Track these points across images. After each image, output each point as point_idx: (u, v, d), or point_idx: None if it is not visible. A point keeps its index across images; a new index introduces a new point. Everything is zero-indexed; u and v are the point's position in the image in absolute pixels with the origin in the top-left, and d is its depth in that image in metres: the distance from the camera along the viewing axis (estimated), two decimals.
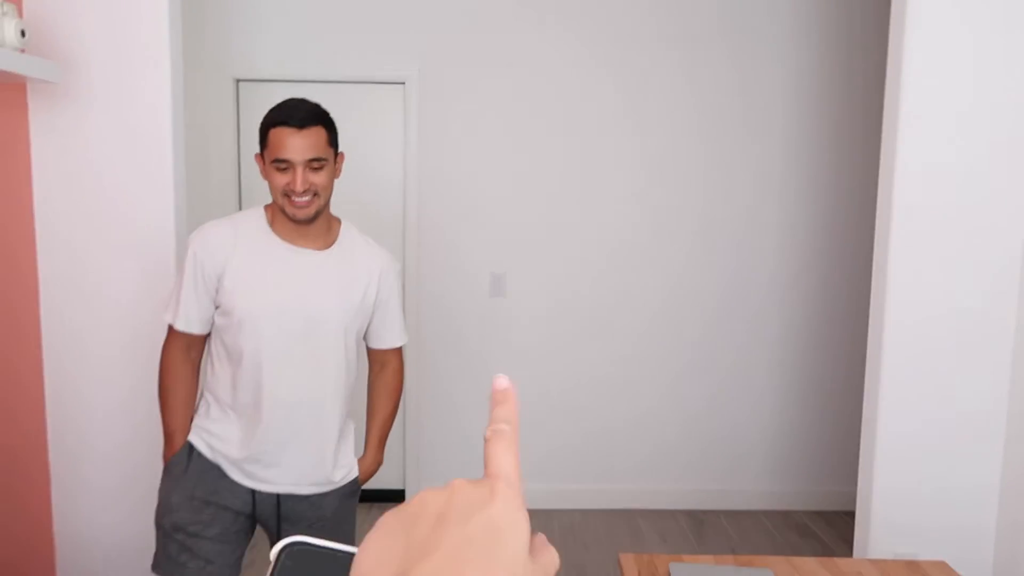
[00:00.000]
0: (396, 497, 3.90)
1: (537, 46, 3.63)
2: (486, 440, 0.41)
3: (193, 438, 1.72)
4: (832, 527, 3.73)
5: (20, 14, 2.08)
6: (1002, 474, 2.30)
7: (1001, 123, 2.19)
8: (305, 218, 1.66)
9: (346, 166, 1.81)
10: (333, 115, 1.74)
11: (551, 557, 0.39)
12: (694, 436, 3.87)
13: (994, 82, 2.18)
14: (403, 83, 3.64)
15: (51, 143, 2.13)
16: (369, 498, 3.90)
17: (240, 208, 3.69)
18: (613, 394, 3.84)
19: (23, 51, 2.02)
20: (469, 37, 3.61)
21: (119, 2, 2.09)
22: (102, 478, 2.24)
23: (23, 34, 1.76)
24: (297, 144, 1.62)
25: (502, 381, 0.43)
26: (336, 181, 1.74)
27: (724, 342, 3.82)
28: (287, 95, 1.73)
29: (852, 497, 3.85)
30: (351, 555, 0.40)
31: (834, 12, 3.66)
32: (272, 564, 0.39)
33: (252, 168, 3.67)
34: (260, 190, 3.66)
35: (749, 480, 3.90)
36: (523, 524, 0.37)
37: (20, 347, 2.10)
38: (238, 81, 3.63)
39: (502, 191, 3.70)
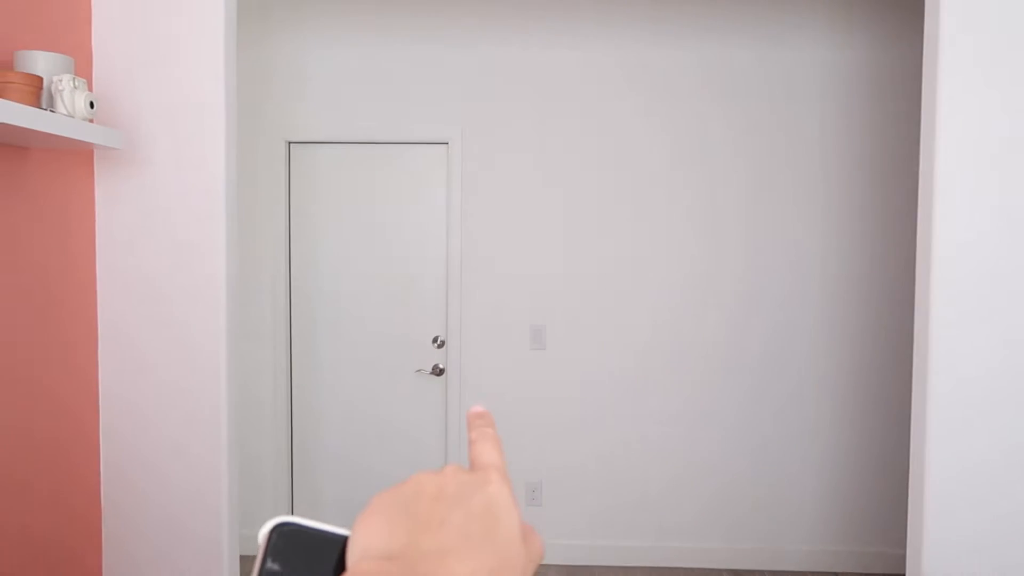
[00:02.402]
0: None
1: (580, 106, 3.72)
2: (472, 442, 0.43)
3: None
4: None
5: (90, 87, 2.24)
6: None
7: None
8: None
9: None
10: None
11: (539, 545, 0.40)
12: (739, 494, 3.80)
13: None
14: (446, 143, 3.76)
15: (114, 204, 2.26)
16: None
17: (290, 260, 3.82)
18: (656, 450, 3.80)
19: (92, 121, 2.17)
20: (511, 97, 3.73)
21: (180, 73, 2.23)
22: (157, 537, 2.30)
23: (92, 105, 1.90)
24: None
25: (478, 407, 0.46)
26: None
27: (769, 400, 3.77)
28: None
29: (902, 559, 3.74)
30: (342, 536, 0.40)
31: (875, 72, 3.68)
32: (263, 545, 0.39)
33: (301, 221, 3.81)
34: (307, 244, 3.79)
35: (796, 540, 3.80)
36: (516, 508, 0.39)
37: (78, 391, 2.21)
38: (289, 143, 3.79)
39: (543, 245, 3.76)
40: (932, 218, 2.21)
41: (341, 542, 0.39)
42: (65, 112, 1.86)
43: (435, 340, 3.84)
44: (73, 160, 2.18)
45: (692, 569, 3.79)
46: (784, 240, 3.73)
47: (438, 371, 3.82)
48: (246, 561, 3.81)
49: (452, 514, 0.37)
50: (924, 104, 2.26)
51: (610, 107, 3.72)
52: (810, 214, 3.72)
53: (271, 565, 0.38)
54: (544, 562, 3.84)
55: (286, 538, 0.39)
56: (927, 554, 2.29)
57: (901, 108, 3.69)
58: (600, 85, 3.71)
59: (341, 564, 0.39)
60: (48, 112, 1.74)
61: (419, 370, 3.85)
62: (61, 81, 1.85)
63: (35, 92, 1.79)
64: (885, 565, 3.77)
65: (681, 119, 3.72)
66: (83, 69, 2.21)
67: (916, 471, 2.32)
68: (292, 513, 3.91)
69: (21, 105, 1.64)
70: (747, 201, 3.73)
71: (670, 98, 3.71)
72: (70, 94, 1.85)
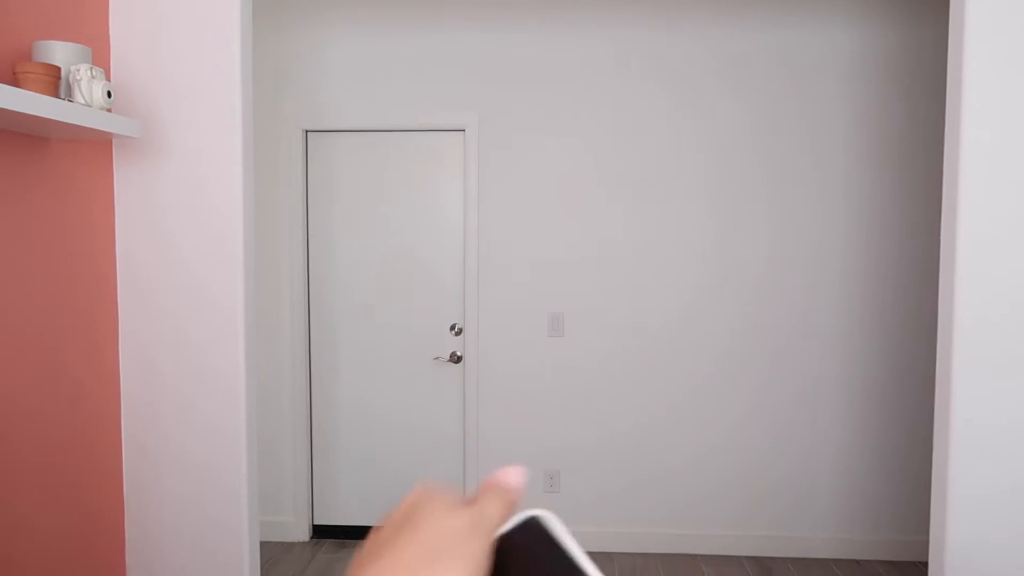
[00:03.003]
0: None
1: (598, 92, 3.69)
2: (486, 486, 0.41)
3: None
4: None
5: (108, 77, 2.25)
6: None
7: None
8: None
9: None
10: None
11: (494, 500, 0.39)
12: (759, 483, 3.78)
13: None
14: (463, 130, 3.75)
15: (132, 192, 2.28)
16: None
17: (307, 247, 3.84)
18: (675, 435, 3.79)
19: (110, 110, 2.18)
20: (528, 84, 3.70)
21: (197, 62, 2.24)
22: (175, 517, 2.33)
23: (109, 95, 1.91)
24: None
25: (520, 476, 0.42)
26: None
27: (789, 387, 3.74)
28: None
29: (925, 547, 3.70)
30: (576, 567, 0.38)
31: (899, 55, 3.62)
32: (512, 526, 0.39)
33: (319, 209, 3.82)
34: (324, 231, 3.80)
35: (818, 527, 3.78)
36: (469, 551, 0.36)
37: (100, 378, 2.23)
38: (307, 132, 3.80)
39: (562, 232, 3.74)
40: (957, 204, 2.17)
41: (574, 569, 0.38)
42: (83, 102, 1.87)
43: (453, 327, 3.84)
44: (92, 150, 2.19)
45: (711, 556, 3.78)
46: (806, 227, 3.69)
47: (456, 358, 3.82)
48: (267, 547, 3.85)
49: (400, 541, 0.37)
50: (949, 91, 2.21)
51: (629, 93, 3.69)
52: (832, 199, 3.67)
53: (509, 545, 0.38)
54: None
55: (531, 533, 0.39)
56: (949, 550, 2.27)
57: (927, 90, 3.62)
58: (618, 70, 3.68)
59: None
60: (66, 102, 1.75)
61: (437, 357, 3.85)
62: (79, 71, 1.86)
63: (53, 82, 1.80)
64: (909, 552, 3.74)
65: (702, 103, 3.68)
66: (101, 59, 2.22)
67: (939, 458, 2.29)
68: (312, 499, 3.94)
69: (39, 95, 1.65)
70: (767, 186, 3.69)
71: (691, 83, 3.67)
72: (88, 84, 1.86)
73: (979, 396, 2.20)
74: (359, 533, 3.95)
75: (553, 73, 3.70)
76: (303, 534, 3.91)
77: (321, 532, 3.97)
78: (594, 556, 3.78)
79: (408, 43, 3.71)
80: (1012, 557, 2.24)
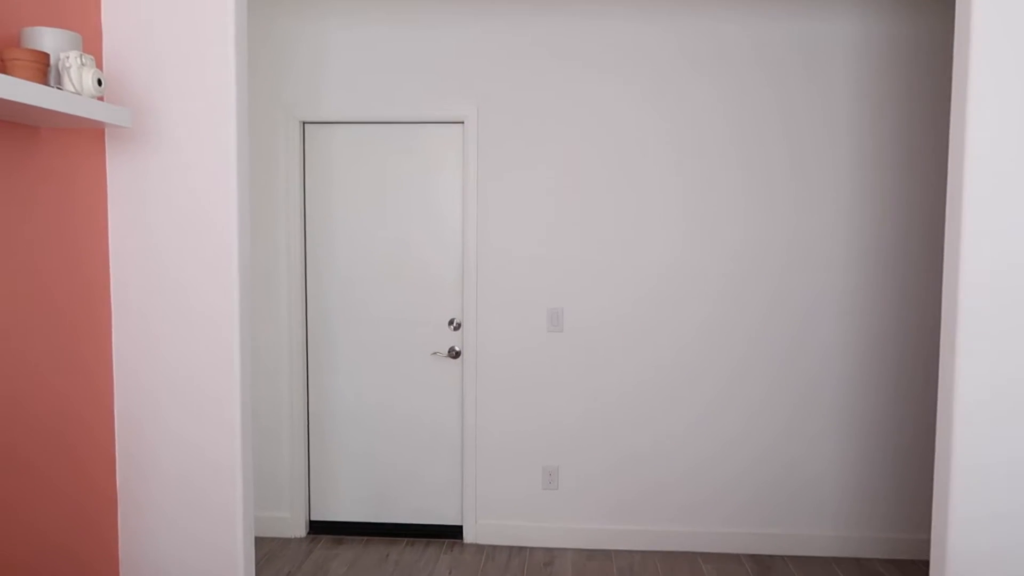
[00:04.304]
0: (454, 533, 3.89)
1: (601, 84, 3.65)
2: None
3: None
4: None
5: (99, 65, 2.22)
6: None
7: None
8: None
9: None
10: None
11: None
12: (760, 480, 3.75)
13: None
14: (462, 122, 3.71)
15: (125, 183, 2.24)
16: (427, 534, 3.90)
17: (304, 240, 3.80)
18: (676, 433, 3.76)
19: (101, 99, 2.15)
20: (527, 76, 3.66)
21: (191, 51, 2.20)
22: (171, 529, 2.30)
23: (100, 83, 1.87)
24: None
25: None
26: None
27: (791, 385, 3.70)
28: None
29: (926, 545, 3.67)
30: None
31: (906, 46, 3.58)
32: None
33: (316, 202, 3.78)
34: (322, 224, 3.77)
35: (818, 525, 3.75)
36: None
37: (92, 365, 2.20)
38: (304, 123, 3.76)
39: (561, 226, 3.71)
40: (962, 201, 2.13)
41: None
42: (72, 89, 1.83)
43: (451, 322, 3.81)
44: (84, 139, 2.16)
45: (710, 554, 3.75)
46: (811, 227, 3.65)
47: (454, 353, 3.79)
48: (263, 542, 3.83)
49: None
50: (955, 83, 2.18)
51: (636, 83, 3.65)
52: (839, 199, 3.63)
53: None
54: (561, 545, 3.81)
55: None
56: (951, 550, 2.23)
57: (938, 87, 3.58)
58: (621, 62, 3.64)
59: None
60: (54, 89, 1.71)
61: (435, 352, 3.82)
62: (68, 58, 1.82)
63: (42, 69, 1.76)
64: (911, 550, 3.71)
65: (708, 98, 3.64)
66: (92, 46, 2.18)
67: (942, 458, 2.26)
68: (309, 495, 3.92)
69: (26, 81, 1.62)
70: (775, 184, 3.65)
71: (695, 75, 3.63)
72: (77, 71, 1.83)
73: (981, 390, 2.17)
74: (356, 529, 3.92)
75: (553, 65, 3.65)
76: (300, 530, 3.88)
77: (318, 528, 3.94)
78: (593, 553, 3.75)
79: (407, 34, 3.68)
80: (1017, 556, 2.21)
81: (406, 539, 3.88)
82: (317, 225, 3.80)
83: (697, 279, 3.70)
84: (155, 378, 2.28)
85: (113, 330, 2.28)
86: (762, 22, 3.60)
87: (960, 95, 2.15)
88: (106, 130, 2.23)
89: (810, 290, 3.67)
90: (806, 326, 3.69)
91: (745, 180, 3.66)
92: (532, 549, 3.80)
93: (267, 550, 3.74)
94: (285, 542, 3.83)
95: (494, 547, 3.81)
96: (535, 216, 3.71)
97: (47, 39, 1.84)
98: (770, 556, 3.73)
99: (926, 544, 3.71)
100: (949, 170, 2.20)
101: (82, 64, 1.84)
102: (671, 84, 3.64)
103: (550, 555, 3.73)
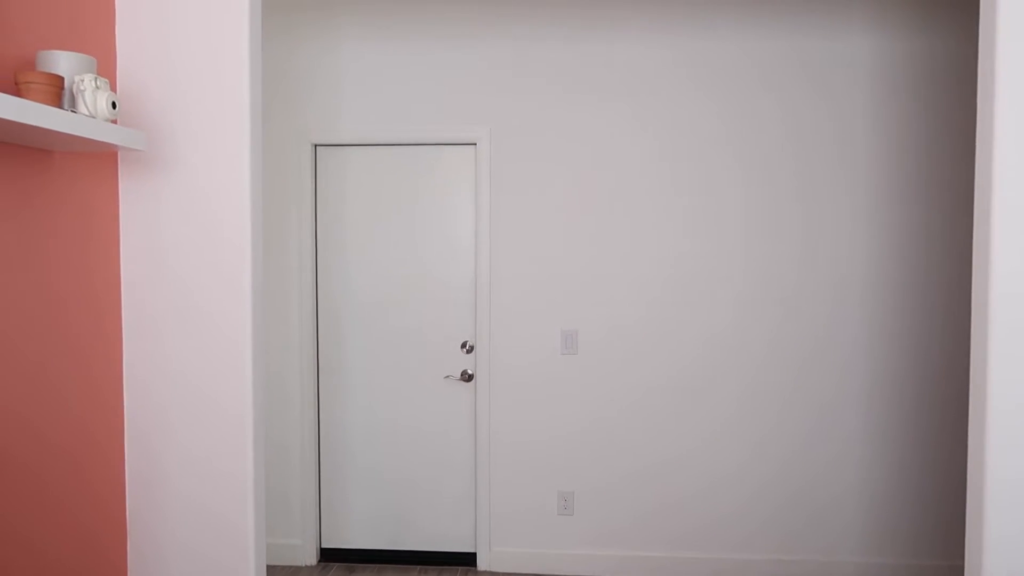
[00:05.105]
0: (468, 560, 3.81)
1: (612, 103, 3.63)
2: None
3: None
4: None
5: (114, 87, 2.20)
6: None
7: None
8: None
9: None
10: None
11: None
12: (779, 505, 3.68)
13: None
14: (474, 144, 3.69)
15: (138, 206, 2.22)
16: (440, 561, 3.83)
17: (316, 263, 3.77)
18: (692, 458, 3.69)
19: (115, 122, 2.12)
20: (540, 97, 3.65)
21: (205, 74, 2.18)
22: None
23: (114, 106, 1.85)
24: None
25: None
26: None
27: (810, 407, 3.64)
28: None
29: (958, 573, 3.58)
30: None
31: (927, 63, 3.55)
32: None
33: (329, 224, 3.75)
34: (333, 247, 3.74)
35: (843, 551, 3.66)
36: None
37: (102, 390, 2.16)
38: (316, 146, 3.74)
39: (574, 247, 3.67)
40: (991, 215, 2.09)
41: None
42: (87, 112, 1.81)
43: (464, 345, 3.76)
44: (97, 162, 2.13)
45: None
46: (831, 243, 3.60)
47: (467, 376, 3.74)
48: (273, 571, 3.76)
49: None
50: (980, 94, 2.14)
51: (644, 103, 3.62)
52: (856, 214, 3.59)
53: None
54: (576, 573, 3.73)
55: None
56: (987, 561, 2.16)
57: (959, 98, 3.55)
58: (633, 81, 3.62)
59: None
60: (69, 112, 1.69)
61: (448, 376, 3.77)
62: (83, 81, 1.80)
63: (56, 92, 1.74)
64: None
65: (722, 113, 3.61)
66: (107, 69, 2.17)
67: (975, 470, 2.19)
68: (320, 522, 3.85)
69: (40, 104, 1.59)
70: (787, 202, 3.61)
71: (704, 93, 3.61)
72: (92, 94, 1.80)
73: (1016, 396, 2.11)
74: (368, 557, 3.85)
75: (563, 88, 3.64)
76: (311, 557, 3.81)
77: (329, 555, 3.87)
78: None
79: (418, 58, 3.67)
80: None
81: (419, 567, 3.81)
82: (329, 247, 3.77)
83: (710, 296, 3.65)
84: (167, 396, 2.24)
85: (124, 352, 2.24)
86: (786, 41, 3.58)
87: (987, 99, 2.11)
88: (119, 153, 2.21)
89: (827, 304, 3.62)
90: (823, 340, 3.63)
91: (759, 199, 3.62)
92: None
93: None
94: (295, 570, 3.76)
95: (508, 575, 3.74)
96: (548, 237, 3.68)
97: (62, 62, 1.82)
98: None
99: (957, 572, 3.62)
100: (976, 180, 2.15)
101: (96, 87, 1.82)
102: (680, 107, 3.62)
103: None
